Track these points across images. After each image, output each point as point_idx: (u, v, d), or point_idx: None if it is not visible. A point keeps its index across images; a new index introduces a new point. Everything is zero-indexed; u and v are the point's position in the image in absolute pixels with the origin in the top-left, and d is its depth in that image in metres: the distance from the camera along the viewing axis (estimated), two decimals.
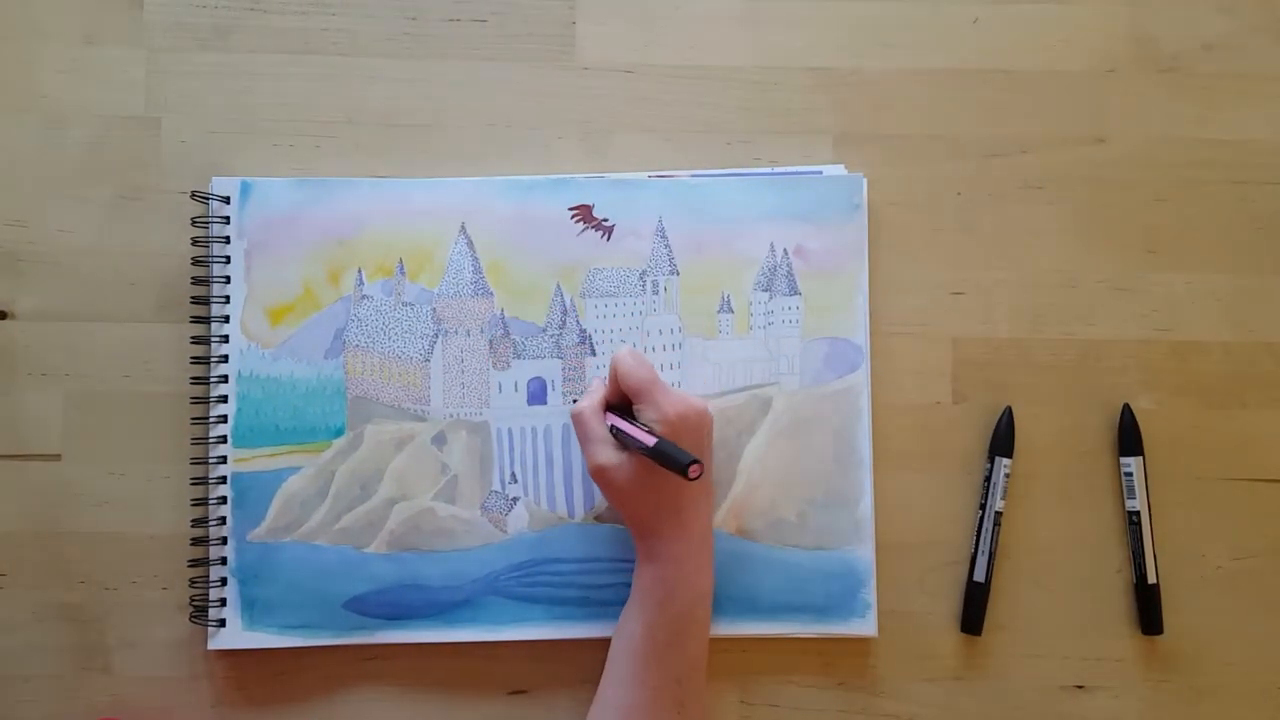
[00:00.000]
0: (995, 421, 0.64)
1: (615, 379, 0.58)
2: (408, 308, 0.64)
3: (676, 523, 0.57)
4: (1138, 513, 0.64)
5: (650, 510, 0.57)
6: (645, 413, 0.57)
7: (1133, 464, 0.64)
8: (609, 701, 0.58)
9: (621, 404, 0.59)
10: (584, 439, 0.58)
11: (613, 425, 0.57)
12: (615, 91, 0.66)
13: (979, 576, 0.63)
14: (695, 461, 0.51)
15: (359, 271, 0.64)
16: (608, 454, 0.57)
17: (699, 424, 0.57)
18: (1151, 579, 0.63)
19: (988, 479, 0.64)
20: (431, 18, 0.66)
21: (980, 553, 0.63)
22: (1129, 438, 0.64)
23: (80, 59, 0.65)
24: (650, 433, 0.55)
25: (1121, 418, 0.64)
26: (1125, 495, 0.64)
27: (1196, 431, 0.65)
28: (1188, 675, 0.64)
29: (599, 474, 0.57)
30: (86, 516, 0.64)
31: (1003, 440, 0.64)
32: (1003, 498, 0.63)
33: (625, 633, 0.59)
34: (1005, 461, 0.64)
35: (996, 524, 0.63)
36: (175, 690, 0.63)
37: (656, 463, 0.53)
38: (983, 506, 0.64)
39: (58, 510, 0.64)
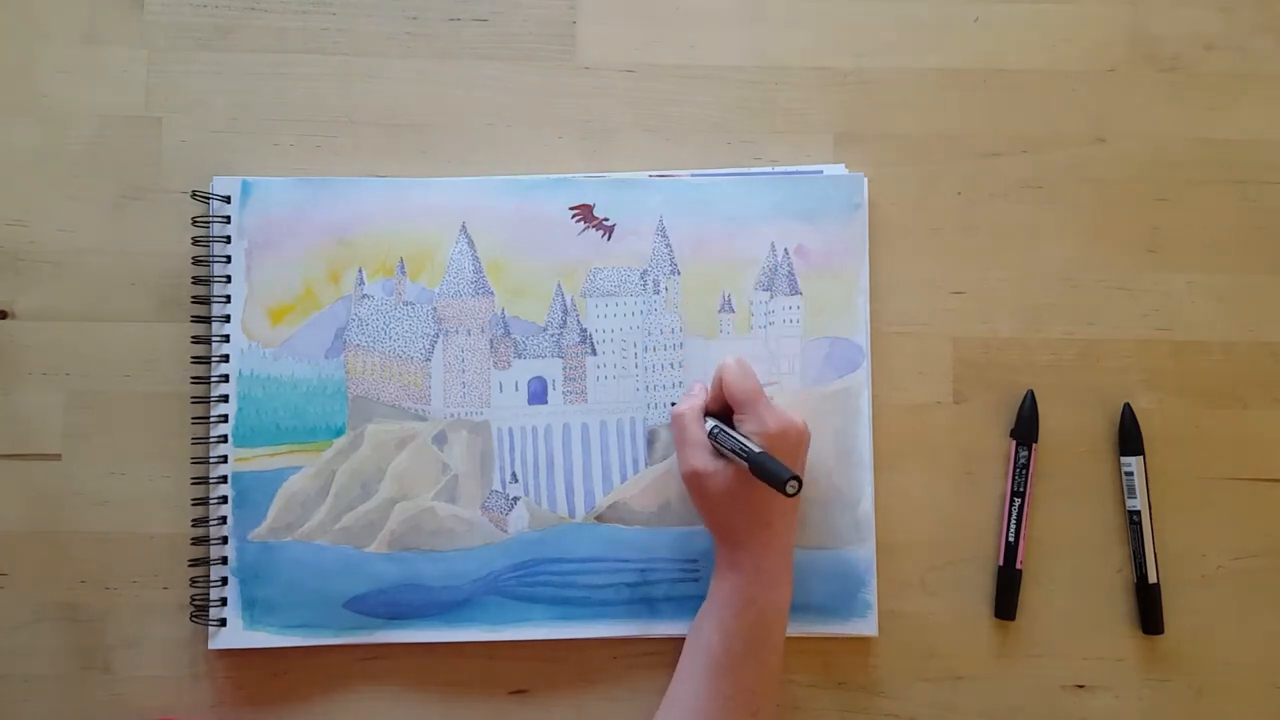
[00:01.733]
0: (1012, 413, 0.65)
1: (718, 386, 0.58)
2: (408, 307, 0.64)
3: (763, 536, 0.57)
4: (1138, 512, 0.64)
5: (739, 520, 0.57)
6: (746, 423, 0.56)
7: (1133, 464, 0.64)
8: (680, 703, 0.58)
9: (721, 412, 0.59)
10: (681, 442, 0.58)
11: (713, 430, 0.57)
12: (616, 91, 0.66)
13: (1020, 564, 0.64)
14: (795, 478, 0.51)
15: (360, 271, 0.64)
16: (704, 459, 0.57)
17: (798, 441, 0.57)
18: (1152, 578, 0.63)
19: (1022, 468, 0.64)
20: (432, 17, 0.66)
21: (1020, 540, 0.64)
22: (1130, 437, 0.64)
23: (81, 59, 0.65)
24: (751, 444, 0.55)
25: (1122, 417, 0.64)
26: (1125, 495, 0.64)
27: (1197, 431, 0.65)
28: (1188, 675, 0.64)
29: (693, 479, 0.57)
30: (87, 516, 0.64)
31: (1026, 424, 0.64)
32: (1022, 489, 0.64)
33: (701, 638, 0.58)
34: (1024, 452, 0.64)
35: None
36: (176, 690, 0.63)
37: (755, 475, 0.53)
38: (1019, 494, 0.64)
39: (58, 510, 0.64)
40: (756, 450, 0.54)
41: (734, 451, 0.55)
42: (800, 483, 0.51)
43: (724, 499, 0.57)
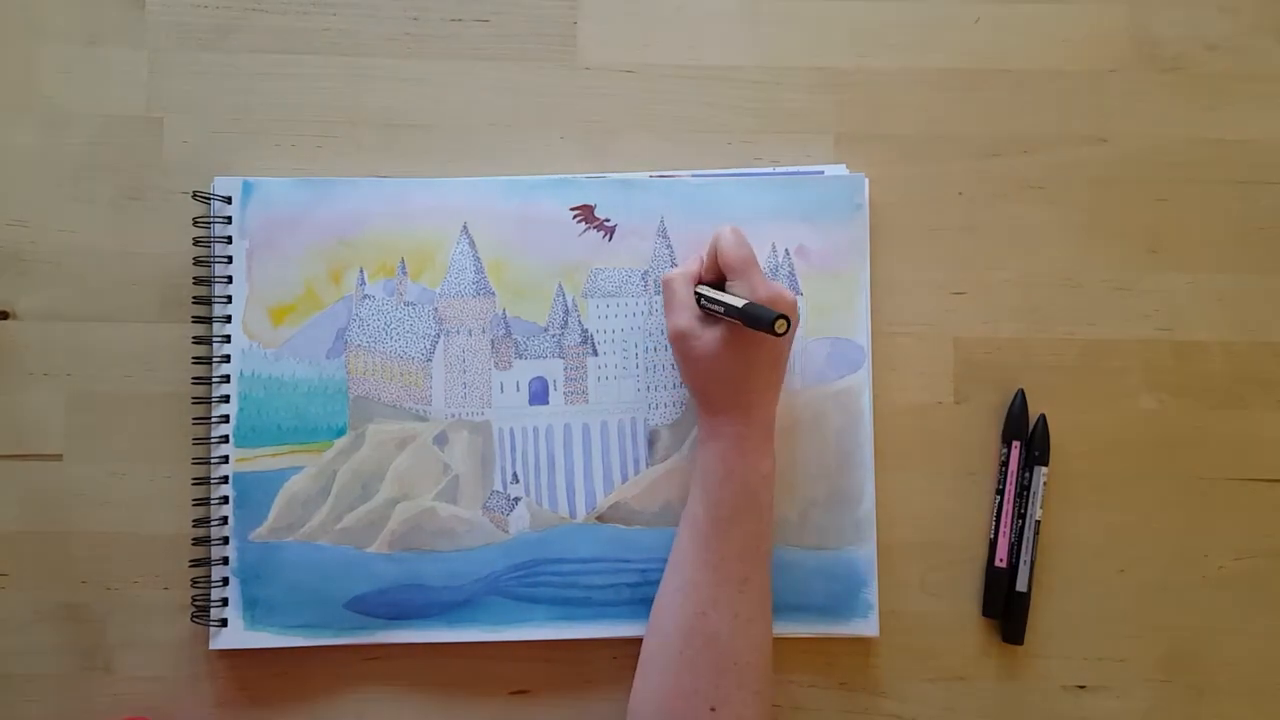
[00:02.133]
0: (1005, 412, 0.65)
1: (713, 255, 0.59)
2: (409, 307, 0.64)
3: (744, 402, 0.57)
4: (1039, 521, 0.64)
5: (721, 384, 0.58)
6: (737, 289, 0.57)
7: (1042, 474, 0.64)
8: (672, 581, 0.58)
9: (713, 282, 0.59)
10: (669, 304, 0.59)
11: (700, 294, 0.58)
12: (617, 91, 0.66)
13: (1021, 586, 0.63)
14: (782, 316, 0.50)
15: (361, 271, 0.64)
16: (689, 321, 0.57)
17: (788, 309, 0.57)
18: (1022, 587, 0.63)
19: (1003, 465, 0.64)
20: (433, 18, 0.66)
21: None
22: (1041, 447, 0.64)
23: (82, 59, 0.65)
24: (740, 298, 0.55)
25: (1034, 428, 0.64)
26: (1031, 503, 0.64)
27: (1198, 431, 0.65)
28: (1190, 676, 0.64)
29: (679, 339, 0.58)
30: (88, 516, 0.64)
31: (1016, 424, 0.64)
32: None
33: (688, 516, 0.59)
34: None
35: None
36: (177, 690, 0.63)
37: (743, 322, 0.53)
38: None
39: (59, 510, 0.64)
40: (743, 301, 0.54)
41: (721, 306, 0.55)
42: (788, 322, 0.50)
43: (708, 361, 0.57)
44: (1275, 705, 0.64)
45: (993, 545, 0.64)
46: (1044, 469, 0.64)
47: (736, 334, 0.56)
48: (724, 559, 0.57)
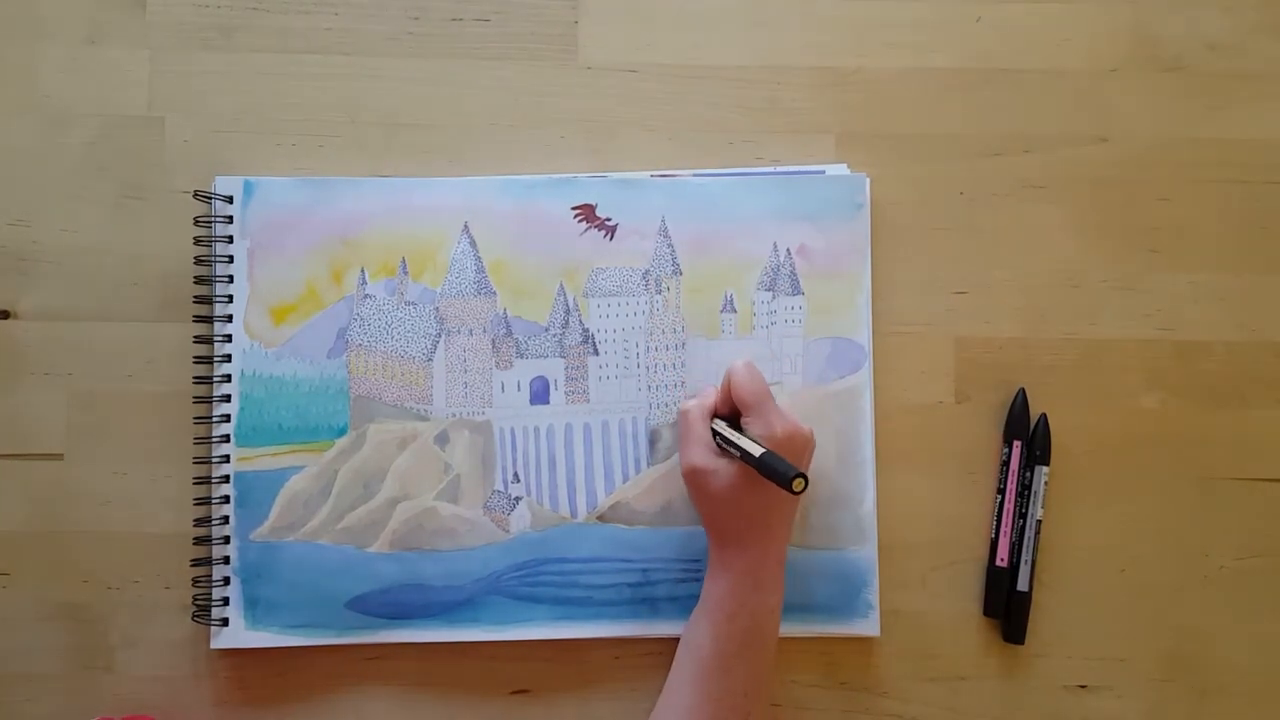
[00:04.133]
0: (1006, 412, 0.65)
1: (727, 389, 0.59)
2: (410, 307, 0.64)
3: (760, 538, 0.57)
4: (1040, 521, 0.64)
5: (737, 521, 0.57)
6: (753, 426, 0.57)
7: (1043, 473, 0.64)
8: (672, 705, 0.58)
9: (729, 415, 0.59)
10: (685, 438, 0.59)
11: (718, 431, 0.58)
12: (618, 91, 0.66)
13: (1022, 586, 0.63)
14: (801, 475, 0.51)
15: (362, 271, 0.64)
16: (705, 456, 0.57)
17: (804, 447, 0.57)
18: (1023, 586, 0.63)
19: (1004, 465, 0.64)
20: (434, 17, 0.66)
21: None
22: (1042, 447, 0.64)
23: (83, 59, 0.65)
24: (757, 444, 0.55)
25: (1035, 427, 0.64)
26: (1033, 503, 0.64)
27: (1200, 431, 0.65)
28: (1191, 675, 0.64)
29: (694, 475, 0.58)
30: (89, 516, 0.64)
31: (1018, 423, 0.64)
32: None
33: (693, 642, 0.58)
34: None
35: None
36: (178, 689, 0.63)
37: (761, 473, 0.53)
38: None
39: (60, 510, 0.64)
40: (761, 451, 0.54)
41: (739, 450, 0.55)
42: (806, 481, 0.51)
43: (723, 497, 0.57)
44: (1275, 705, 0.64)
45: (994, 545, 0.64)
46: (1045, 468, 0.64)
47: (753, 471, 0.55)
48: (727, 693, 0.57)
